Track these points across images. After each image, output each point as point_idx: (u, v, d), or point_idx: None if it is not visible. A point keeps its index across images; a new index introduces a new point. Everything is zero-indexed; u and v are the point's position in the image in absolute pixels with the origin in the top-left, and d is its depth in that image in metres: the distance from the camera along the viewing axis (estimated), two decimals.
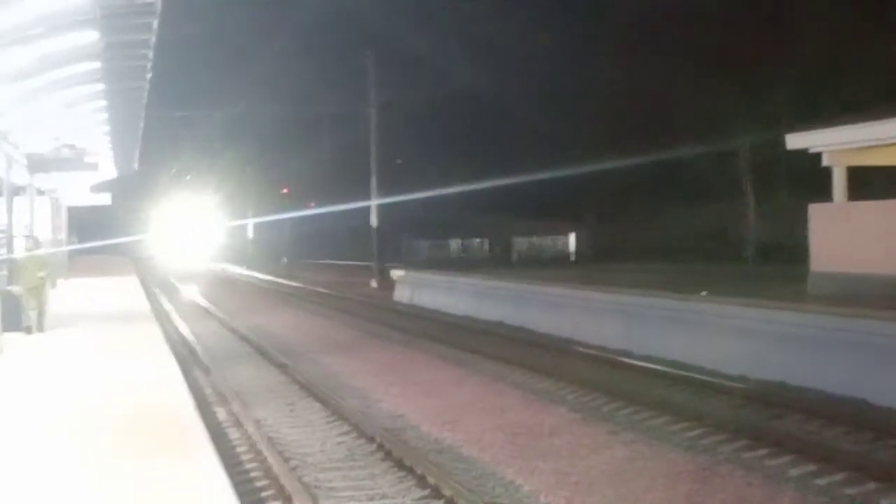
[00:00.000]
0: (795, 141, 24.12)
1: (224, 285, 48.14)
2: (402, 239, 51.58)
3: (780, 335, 17.48)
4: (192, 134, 62.92)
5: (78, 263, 50.18)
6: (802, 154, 24.54)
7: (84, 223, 55.87)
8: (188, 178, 59.63)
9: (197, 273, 50.43)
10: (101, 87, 25.91)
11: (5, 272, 23.45)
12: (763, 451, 12.19)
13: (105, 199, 46.83)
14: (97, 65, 22.40)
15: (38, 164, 31.09)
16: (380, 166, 49.83)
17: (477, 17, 56.59)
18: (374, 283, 45.69)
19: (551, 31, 52.68)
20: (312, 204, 60.39)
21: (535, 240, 53.37)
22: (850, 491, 10.45)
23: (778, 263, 29.57)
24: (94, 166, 33.42)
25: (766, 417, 14.18)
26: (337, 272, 53.11)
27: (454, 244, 53.09)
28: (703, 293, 21.62)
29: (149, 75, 26.43)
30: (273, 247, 63.23)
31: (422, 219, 54.66)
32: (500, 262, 45.40)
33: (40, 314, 21.43)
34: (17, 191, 30.98)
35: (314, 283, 46.32)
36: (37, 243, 23.28)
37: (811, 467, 11.37)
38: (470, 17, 57.17)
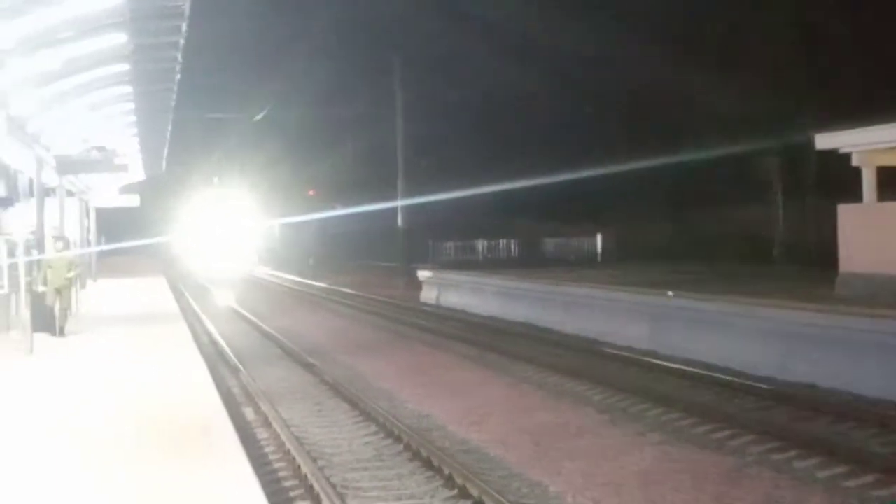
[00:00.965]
0: (825, 141, 23.95)
1: (251, 286, 48.31)
2: (428, 240, 51.55)
3: (808, 336, 17.40)
4: (221, 135, 63.28)
5: (107, 264, 50.53)
6: (832, 155, 24.39)
7: (113, 224, 56.25)
8: (216, 179, 59.87)
9: (225, 274, 50.62)
10: (129, 89, 26.12)
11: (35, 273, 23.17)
12: (791, 453, 12.16)
13: (134, 200, 47.16)
14: (126, 67, 22.58)
15: (67, 166, 31.31)
16: (406, 168, 50.02)
17: (505, 16, 56.46)
18: (401, 285, 45.75)
19: (577, 32, 52.46)
20: (337, 205, 60.46)
21: (561, 240, 53.22)
22: (879, 493, 10.40)
23: (806, 264, 29.40)
24: (123, 168, 33.63)
25: (795, 419, 14.12)
26: (364, 273, 53.21)
27: (481, 245, 53.01)
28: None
29: (177, 77, 26.65)
30: (301, 248, 63.38)
31: (449, 221, 54.63)
32: (526, 262, 45.29)
33: (63, 315, 21.16)
34: (47, 192, 31.22)
35: (341, 284, 46.44)
36: (66, 244, 23.22)
37: (841, 468, 11.32)
38: (498, 17, 57.03)
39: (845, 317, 16.79)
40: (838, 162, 24.20)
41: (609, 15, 53.08)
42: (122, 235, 55.52)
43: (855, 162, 23.45)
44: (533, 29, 55.57)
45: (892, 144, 22.41)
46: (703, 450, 12.59)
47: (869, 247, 22.19)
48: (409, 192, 49.50)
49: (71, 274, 21.57)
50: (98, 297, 33.50)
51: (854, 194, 23.78)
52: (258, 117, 59.60)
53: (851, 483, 10.80)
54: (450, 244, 51.84)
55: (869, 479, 10.86)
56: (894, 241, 21.44)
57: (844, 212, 23.47)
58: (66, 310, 21.33)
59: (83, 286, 32.57)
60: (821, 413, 14.30)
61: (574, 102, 56.86)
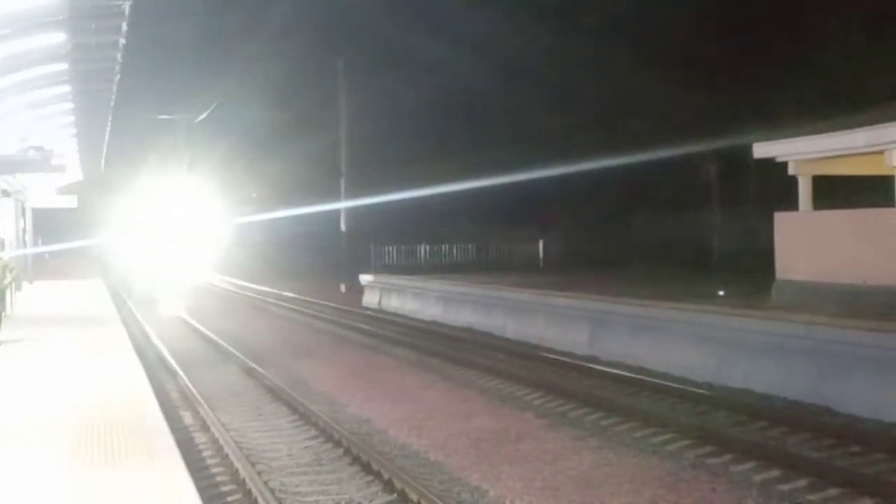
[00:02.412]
0: (762, 150, 24.28)
1: (193, 290, 47.80)
2: (371, 244, 51.46)
3: (744, 342, 17.60)
4: (162, 136, 62.53)
5: (45, 266, 49.81)
6: (770, 163, 24.73)
7: (51, 225, 55.43)
8: (156, 181, 59.12)
9: (165, 277, 50.12)
10: (68, 88, 25.81)
11: None
12: (727, 457, 12.30)
13: (72, 201, 46.50)
14: (64, 66, 22.32)
15: (3, 166, 30.83)
16: (351, 171, 49.91)
17: (453, 16, 56.54)
18: (342, 289, 45.60)
19: (527, 34, 52.75)
20: (279, 209, 59.99)
21: (504, 246, 53.38)
22: (813, 497, 10.56)
23: (745, 271, 29.76)
24: (60, 168, 33.16)
25: (731, 424, 14.28)
26: (307, 277, 52.93)
27: (423, 250, 53.05)
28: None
29: (117, 77, 26.36)
30: (244, 252, 62.78)
31: (392, 225, 54.59)
32: (469, 267, 45.37)
33: None
34: None
35: (283, 289, 46.14)
36: (1, 246, 22.60)
37: (776, 472, 11.48)
38: (446, 17, 57.09)
39: (780, 323, 17.01)
40: (777, 171, 24.56)
41: (559, 21, 53.44)
42: (60, 237, 54.74)
43: (791, 171, 23.80)
44: (481, 30, 55.78)
45: (828, 154, 22.79)
46: (642, 454, 12.68)
47: (804, 255, 22.55)
48: (354, 196, 49.40)
49: (7, 280, 20.57)
50: (34, 299, 32.96)
51: (791, 203, 24.15)
52: (200, 118, 59.07)
53: (786, 487, 10.95)
54: (392, 248, 51.77)
55: (802, 483, 11.02)
56: (829, 250, 21.80)
57: (781, 220, 23.81)
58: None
59: (18, 288, 32.01)
60: (755, 418, 14.46)
61: (519, 106, 57.15)
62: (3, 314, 20.93)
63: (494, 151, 50.83)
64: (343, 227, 49.68)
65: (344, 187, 49.55)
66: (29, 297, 33.03)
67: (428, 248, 52.41)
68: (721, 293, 17.14)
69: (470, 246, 52.85)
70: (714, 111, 42.62)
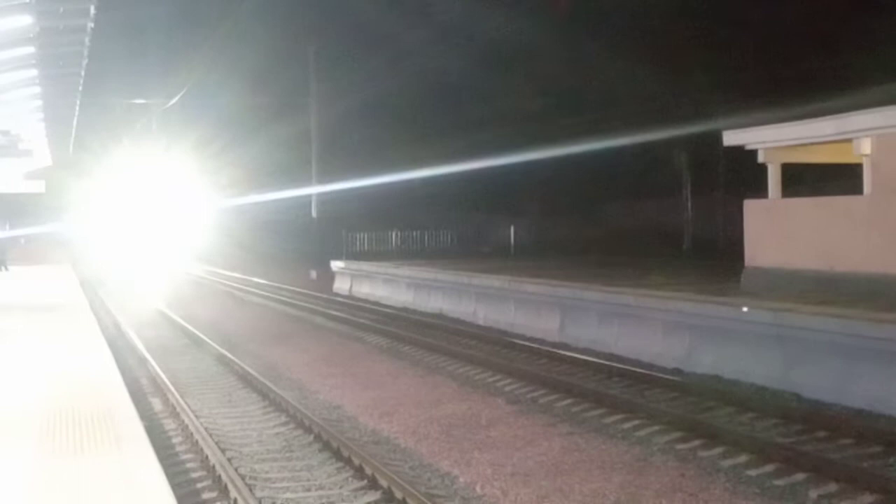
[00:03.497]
0: (732, 138, 24.39)
1: (164, 277, 47.59)
2: (342, 232, 51.37)
3: (713, 329, 17.70)
4: (132, 120, 61.95)
5: (13, 252, 49.31)
6: (740, 151, 24.86)
7: (18, 211, 54.93)
8: (123, 167, 58.66)
9: (136, 264, 49.88)
10: (35, 72, 25.54)
11: None
12: (695, 443, 12.39)
13: (39, 186, 46.07)
14: (31, 50, 22.08)
15: None
16: (323, 159, 49.81)
17: (426, 7, 56.38)
18: (313, 275, 45.51)
19: (498, 24, 52.64)
20: (251, 195, 59.65)
21: (475, 232, 53.43)
22: (780, 482, 10.64)
23: (715, 258, 29.97)
24: (27, 153, 32.96)
25: (699, 410, 14.37)
26: (279, 263, 52.79)
27: (394, 236, 53.02)
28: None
29: (85, 61, 26.11)
30: (215, 239, 62.40)
31: (363, 212, 54.50)
32: (440, 253, 45.41)
33: None
34: None
35: (254, 275, 46.03)
36: None
37: (743, 458, 11.57)
38: (419, 7, 56.93)
39: (748, 310, 17.10)
40: (747, 158, 24.69)
41: (532, 8, 53.36)
42: (28, 222, 54.27)
43: (761, 158, 23.93)
44: (456, 16, 55.63)
45: (797, 142, 22.93)
46: (611, 440, 12.75)
47: (773, 242, 22.70)
48: (325, 182, 49.31)
49: None
50: (4, 286, 32.69)
51: (761, 190, 24.29)
52: (170, 103, 58.59)
53: (753, 472, 11.03)
54: (363, 235, 51.70)
55: (770, 468, 11.10)
56: (797, 237, 21.96)
57: (750, 207, 23.95)
58: None
59: None
60: (723, 403, 14.56)
61: (491, 92, 57.12)
62: None
63: (466, 138, 50.74)
64: (314, 214, 49.55)
65: (315, 173, 49.42)
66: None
67: (399, 234, 52.40)
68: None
69: (441, 232, 52.89)
70: (686, 98, 42.75)
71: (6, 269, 42.73)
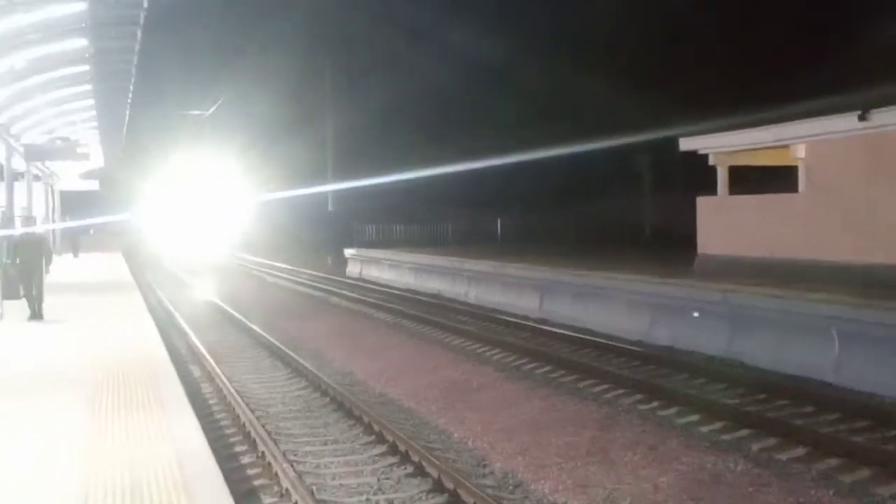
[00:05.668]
0: (687, 144, 24.43)
1: (201, 262, 47.55)
2: (353, 223, 51.37)
3: (670, 307, 17.74)
4: (173, 127, 61.77)
5: (89, 240, 49.43)
6: (694, 155, 24.88)
7: (78, 205, 54.94)
8: (169, 168, 58.46)
9: (179, 252, 49.84)
10: (89, 87, 25.50)
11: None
12: (655, 403, 12.44)
13: (93, 184, 46.09)
14: (86, 68, 22.04)
15: (34, 154, 30.56)
16: (339, 161, 49.90)
17: (427, 24, 56.38)
18: (329, 261, 45.50)
19: (488, 40, 52.67)
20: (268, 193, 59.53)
21: (468, 224, 53.45)
22: (727, 437, 10.69)
23: (672, 247, 29.97)
24: (84, 156, 32.94)
25: (658, 375, 14.42)
26: (300, 251, 52.80)
27: (398, 228, 53.06)
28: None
29: (133, 78, 26.06)
30: (249, 231, 62.23)
31: (371, 207, 54.51)
32: (437, 242, 45.43)
33: (39, 296, 17.41)
34: (16, 177, 30.34)
35: (278, 260, 46.04)
36: (33, 221, 21.44)
37: (695, 416, 11.62)
38: (421, 25, 56.90)
39: (699, 291, 17.15)
40: (700, 161, 24.72)
41: (519, 28, 53.43)
42: (86, 215, 54.27)
43: (711, 161, 23.97)
44: (452, 38, 55.66)
45: (741, 148, 22.98)
46: (583, 401, 12.78)
47: (721, 233, 22.77)
48: (340, 180, 49.39)
49: (43, 264, 17.98)
50: (63, 269, 32.64)
51: (712, 189, 24.33)
52: (209, 111, 58.47)
53: (704, 428, 11.08)
54: (371, 227, 51.74)
55: (718, 425, 11.15)
56: (742, 228, 22.02)
57: (702, 203, 24.00)
58: (40, 293, 17.41)
59: (50, 261, 31.69)
60: (678, 370, 14.61)
61: (483, 104, 57.17)
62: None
63: (460, 143, 50.78)
64: (330, 208, 49.60)
65: (331, 173, 49.45)
66: (58, 267, 32.74)
67: (402, 226, 52.41)
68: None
69: (439, 225, 52.90)
70: (647, 108, 42.76)
71: (76, 255, 42.67)
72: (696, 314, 16.70)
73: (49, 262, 19.21)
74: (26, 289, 17.43)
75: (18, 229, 19.57)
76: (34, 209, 33.15)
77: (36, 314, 17.23)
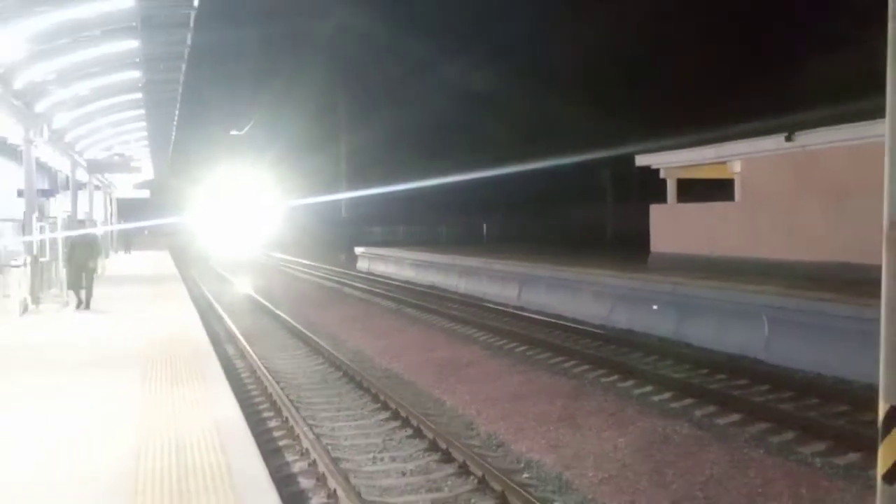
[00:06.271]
0: (641, 160, 24.52)
1: (235, 258, 47.50)
2: (363, 226, 51.39)
3: (627, 296, 17.78)
4: (213, 144, 61.74)
5: (144, 240, 49.36)
6: (647, 169, 24.95)
7: (130, 210, 54.86)
8: (209, 180, 58.39)
9: (218, 251, 49.81)
10: (142, 111, 25.45)
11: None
12: (615, 377, 12.46)
13: (145, 193, 45.99)
14: (139, 95, 22.01)
15: (95, 167, 30.46)
16: (349, 173, 49.90)
17: (431, 52, 56.47)
18: (342, 257, 45.46)
19: (479, 70, 52.79)
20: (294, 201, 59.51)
21: (459, 226, 53.47)
22: (675, 405, 10.72)
23: (630, 247, 30.04)
24: (137, 169, 32.88)
25: (617, 353, 14.44)
26: (320, 249, 52.77)
27: (401, 229, 53.05)
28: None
29: (178, 104, 26.03)
30: (279, 233, 62.09)
31: (378, 212, 54.54)
32: (433, 242, 45.41)
33: (88, 294, 16.84)
34: (79, 186, 30.26)
35: (298, 257, 45.98)
36: (87, 224, 20.15)
37: (649, 388, 11.65)
38: (424, 55, 57.00)
39: (652, 283, 17.19)
40: (653, 175, 24.80)
41: (503, 62, 53.45)
42: (141, 219, 54.29)
43: (662, 175, 24.07)
44: (448, 69, 55.79)
45: (687, 164, 23.06)
46: (555, 376, 12.78)
47: (671, 234, 22.84)
48: (352, 190, 49.51)
49: (94, 262, 17.26)
50: (118, 264, 32.57)
51: (663, 197, 24.41)
52: (243, 131, 58.47)
53: (656, 398, 11.10)
54: (378, 228, 51.75)
55: (668, 395, 11.17)
56: (688, 231, 22.09)
57: (654, 210, 24.08)
58: (90, 287, 16.89)
59: (106, 256, 31.62)
60: (635, 349, 14.62)
61: (473, 125, 57.23)
62: (96, 275, 19.25)
63: (453, 158, 50.82)
64: (343, 214, 49.63)
65: (346, 183, 49.51)
66: (115, 263, 32.67)
67: (404, 228, 52.39)
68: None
69: (435, 227, 52.91)
70: (610, 130, 42.89)
71: (128, 252, 42.55)
72: (655, 307, 16.60)
73: (98, 260, 18.29)
74: (76, 283, 16.89)
75: (74, 231, 18.81)
76: (94, 214, 33.08)
77: (84, 304, 16.65)
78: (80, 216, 25.68)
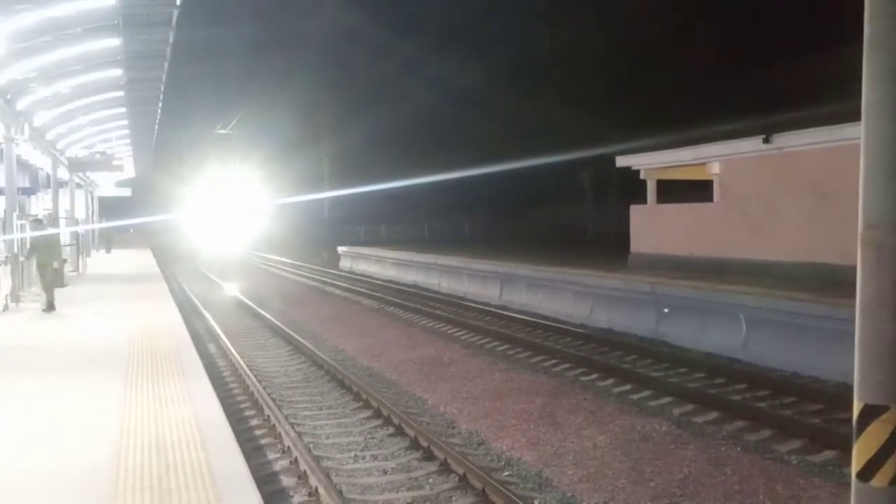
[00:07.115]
0: (622, 161, 24.57)
1: (217, 258, 47.16)
2: (345, 225, 51.21)
3: (607, 296, 17.82)
4: (192, 143, 61.22)
5: (127, 237, 48.84)
6: (628, 170, 25.02)
7: (112, 208, 54.35)
8: (191, 178, 57.85)
9: (195, 249, 49.39)
10: (123, 110, 25.21)
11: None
12: (594, 376, 12.49)
13: (126, 192, 45.54)
14: (121, 94, 21.79)
15: (76, 165, 30.10)
16: (332, 174, 49.68)
17: (416, 56, 56.39)
18: (325, 256, 45.28)
19: (463, 70, 52.72)
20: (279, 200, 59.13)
21: (440, 226, 53.43)
22: (654, 403, 10.77)
23: (610, 247, 30.13)
24: (119, 168, 32.54)
25: (597, 352, 14.48)
26: (303, 249, 52.49)
27: (383, 229, 52.93)
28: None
29: (160, 102, 25.79)
30: (262, 232, 61.74)
31: (360, 211, 54.37)
32: (415, 242, 45.35)
33: (50, 295, 15.99)
34: (60, 184, 29.92)
35: (282, 256, 45.73)
36: (40, 224, 18.07)
37: (628, 386, 11.68)
38: (411, 58, 56.92)
39: (631, 283, 17.25)
40: (633, 175, 24.86)
41: (485, 64, 53.51)
42: (121, 218, 53.77)
43: (642, 176, 24.13)
44: (436, 69, 55.76)
45: (666, 165, 23.14)
46: (535, 374, 12.81)
47: (650, 235, 22.92)
48: (335, 189, 49.33)
49: (57, 263, 16.58)
50: (98, 264, 32.23)
51: (642, 198, 24.47)
52: (226, 129, 57.96)
53: (634, 396, 11.15)
54: (361, 228, 51.57)
55: (646, 393, 11.23)
56: (667, 231, 22.18)
57: (634, 211, 24.15)
58: (50, 289, 16.01)
59: (88, 255, 31.28)
60: (614, 348, 14.68)
61: (457, 125, 57.21)
62: (77, 273, 18.58)
63: (435, 158, 50.78)
64: (326, 213, 49.42)
65: (327, 183, 49.30)
66: (95, 262, 32.33)
67: (386, 227, 52.27)
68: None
69: (416, 226, 52.82)
70: (590, 131, 43.02)
71: (108, 251, 42.13)
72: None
73: (59, 261, 17.38)
74: (43, 283, 16.14)
75: (33, 232, 17.50)
76: (76, 212, 32.71)
77: (49, 305, 15.83)
78: (41, 215, 24.63)
